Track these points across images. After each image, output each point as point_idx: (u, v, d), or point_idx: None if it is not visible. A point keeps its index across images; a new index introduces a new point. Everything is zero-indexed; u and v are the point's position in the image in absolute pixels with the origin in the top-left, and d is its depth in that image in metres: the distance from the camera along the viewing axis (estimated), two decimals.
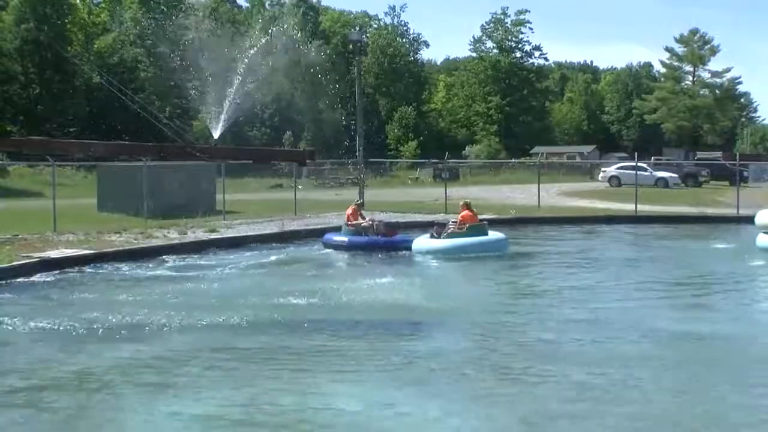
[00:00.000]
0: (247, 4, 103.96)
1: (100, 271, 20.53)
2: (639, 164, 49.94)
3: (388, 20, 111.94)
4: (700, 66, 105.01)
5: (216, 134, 19.07)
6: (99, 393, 10.47)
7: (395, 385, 10.74)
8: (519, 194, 45.09)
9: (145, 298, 16.77)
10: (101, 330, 13.94)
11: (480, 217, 25.39)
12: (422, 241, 24.23)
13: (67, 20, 75.70)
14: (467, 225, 24.07)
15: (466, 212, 24.31)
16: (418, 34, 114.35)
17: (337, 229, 26.30)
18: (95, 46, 78.89)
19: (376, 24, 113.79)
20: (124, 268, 21.02)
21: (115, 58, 78.10)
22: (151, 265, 21.68)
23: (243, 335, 13.64)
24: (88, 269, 20.57)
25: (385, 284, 18.73)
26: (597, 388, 10.53)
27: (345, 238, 25.12)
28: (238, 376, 11.22)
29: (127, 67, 76.82)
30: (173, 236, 25.83)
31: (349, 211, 26.10)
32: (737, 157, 51.79)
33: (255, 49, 24.69)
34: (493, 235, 24.24)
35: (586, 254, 24.74)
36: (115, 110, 64.72)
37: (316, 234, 27.87)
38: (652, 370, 11.45)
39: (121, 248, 23.17)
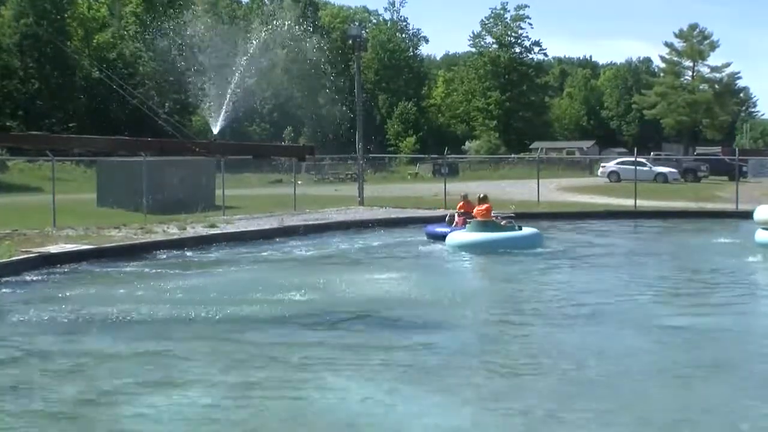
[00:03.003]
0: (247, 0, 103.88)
1: (100, 266, 20.54)
2: (638, 159, 50.00)
3: (387, 16, 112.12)
4: (700, 61, 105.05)
5: (215, 129, 19.14)
6: (98, 387, 10.48)
7: (395, 380, 10.74)
8: (518, 189, 45.04)
9: (145, 293, 16.79)
10: (101, 324, 13.97)
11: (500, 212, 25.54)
12: (456, 235, 24.23)
13: (66, 15, 75.66)
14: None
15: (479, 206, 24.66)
16: (418, 30, 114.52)
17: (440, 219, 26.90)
18: (95, 41, 78.85)
19: (375, 19, 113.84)
20: (124, 263, 21.02)
21: (115, 53, 78.09)
22: (150, 261, 21.71)
23: (245, 330, 13.64)
24: (87, 264, 20.58)
25: (391, 279, 18.78)
26: (598, 384, 10.55)
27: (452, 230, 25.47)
28: (238, 370, 11.23)
29: (126, 62, 76.79)
30: (173, 231, 25.84)
31: (459, 204, 26.50)
32: (736, 152, 51.82)
33: (254, 44, 24.72)
34: (528, 230, 24.32)
35: (586, 249, 24.71)
36: (115, 105, 64.82)
37: (316, 229, 28.05)
38: (653, 366, 11.48)
39: (120, 243, 23.18)
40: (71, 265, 20.29)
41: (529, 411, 9.55)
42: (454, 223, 25.61)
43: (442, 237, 25.22)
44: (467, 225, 24.36)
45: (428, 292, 17.30)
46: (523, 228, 24.37)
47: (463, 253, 23.46)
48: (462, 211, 25.98)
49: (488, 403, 9.87)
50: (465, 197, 26.85)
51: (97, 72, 66.10)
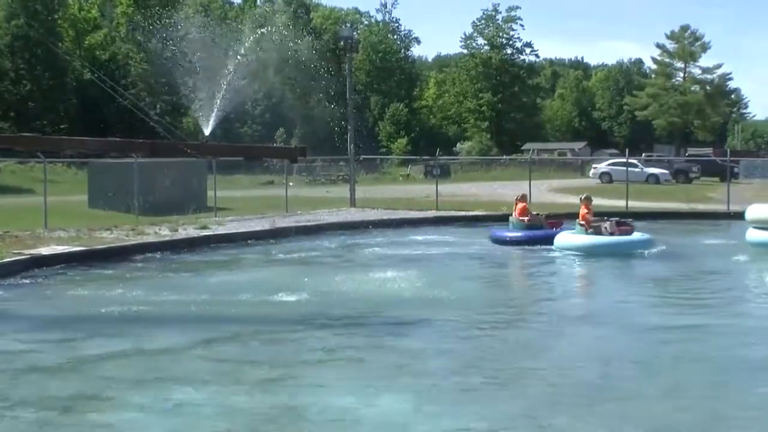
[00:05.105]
0: (239, 0, 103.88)
1: (91, 267, 20.49)
2: (630, 161, 50.07)
3: (379, 17, 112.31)
4: (691, 62, 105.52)
5: (207, 131, 19.07)
6: (90, 388, 10.46)
7: (387, 382, 10.74)
8: (510, 191, 44.95)
9: (137, 295, 16.74)
10: (92, 325, 13.96)
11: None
12: (566, 237, 23.89)
13: (57, 16, 75.59)
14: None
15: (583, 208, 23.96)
16: (410, 31, 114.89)
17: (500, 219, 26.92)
18: (86, 42, 78.80)
19: (367, 21, 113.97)
20: (115, 264, 20.98)
21: (106, 54, 78.02)
22: (141, 262, 21.68)
23: (237, 330, 13.61)
24: (78, 266, 20.51)
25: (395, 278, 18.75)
26: (587, 386, 10.56)
27: (522, 233, 25.25)
28: (229, 370, 11.23)
29: (118, 64, 76.74)
30: (164, 233, 25.79)
31: (520, 207, 25.98)
32: (728, 153, 52.06)
33: (246, 46, 24.68)
34: (640, 235, 23.72)
35: (567, 253, 24.55)
36: (107, 106, 64.74)
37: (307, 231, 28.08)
38: (643, 367, 11.48)
39: (112, 245, 23.13)
40: (62, 267, 20.22)
41: (518, 413, 9.56)
42: (545, 225, 25.42)
43: (508, 241, 25.08)
44: (576, 227, 23.72)
45: (424, 289, 17.27)
46: (636, 232, 23.72)
47: (572, 255, 23.08)
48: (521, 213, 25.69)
49: (478, 404, 9.86)
50: (523, 197, 26.55)
51: (89, 73, 66.03)
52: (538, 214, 26.04)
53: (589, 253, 22.88)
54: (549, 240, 24.26)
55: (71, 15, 79.55)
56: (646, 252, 23.08)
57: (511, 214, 26.20)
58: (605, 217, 24.50)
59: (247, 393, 10.21)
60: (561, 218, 26.26)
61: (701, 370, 11.31)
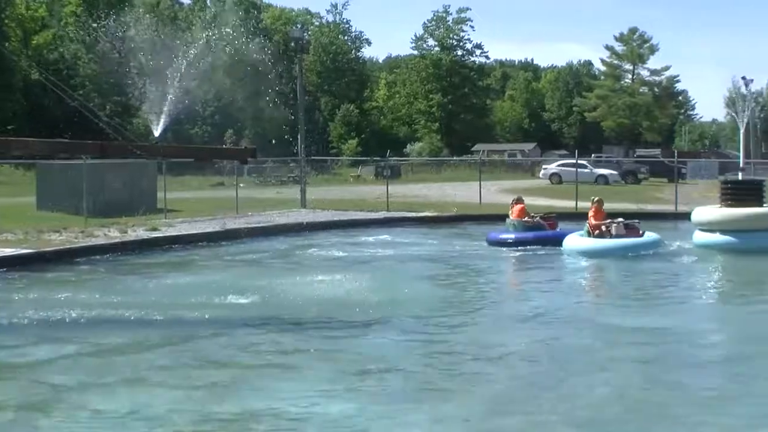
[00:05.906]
0: (189, 1, 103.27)
1: (39, 270, 20.29)
2: (579, 162, 50.40)
3: (330, 18, 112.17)
4: (639, 64, 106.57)
5: (157, 132, 18.96)
6: (37, 393, 10.39)
7: (342, 384, 10.75)
8: (460, 191, 45.19)
9: (86, 297, 16.60)
10: (39, 329, 13.83)
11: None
12: (575, 241, 23.58)
13: (4, 15, 74.65)
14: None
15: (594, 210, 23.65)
16: (360, 32, 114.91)
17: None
18: (33, 41, 77.92)
19: (318, 21, 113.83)
20: (64, 267, 20.81)
21: (55, 54, 77.20)
22: (91, 264, 21.51)
23: (185, 333, 13.56)
24: (27, 269, 20.32)
25: (338, 280, 18.73)
26: (539, 385, 10.63)
27: (523, 234, 24.86)
28: (177, 376, 11.19)
29: (66, 64, 75.98)
30: (114, 235, 25.63)
31: (518, 208, 25.49)
32: (675, 154, 52.80)
33: (196, 46, 24.58)
34: (649, 236, 23.51)
35: (528, 251, 24.71)
36: (55, 107, 64.01)
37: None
38: (596, 366, 11.61)
39: (61, 247, 22.94)
40: (9, 270, 20.03)
41: (474, 413, 9.62)
42: (545, 226, 25.17)
43: (512, 243, 24.69)
44: (584, 229, 23.51)
45: (374, 292, 17.27)
46: (646, 233, 23.54)
47: (582, 258, 22.94)
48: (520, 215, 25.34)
49: (432, 405, 9.90)
50: (520, 199, 26.19)
51: (36, 73, 65.30)
52: (534, 216, 25.75)
53: (597, 256, 22.75)
54: (557, 241, 24.07)
55: (18, 14, 78.59)
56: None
57: (508, 216, 25.82)
58: (611, 220, 24.01)
59: (198, 397, 10.18)
60: (553, 219, 26.15)
61: (648, 369, 11.42)
